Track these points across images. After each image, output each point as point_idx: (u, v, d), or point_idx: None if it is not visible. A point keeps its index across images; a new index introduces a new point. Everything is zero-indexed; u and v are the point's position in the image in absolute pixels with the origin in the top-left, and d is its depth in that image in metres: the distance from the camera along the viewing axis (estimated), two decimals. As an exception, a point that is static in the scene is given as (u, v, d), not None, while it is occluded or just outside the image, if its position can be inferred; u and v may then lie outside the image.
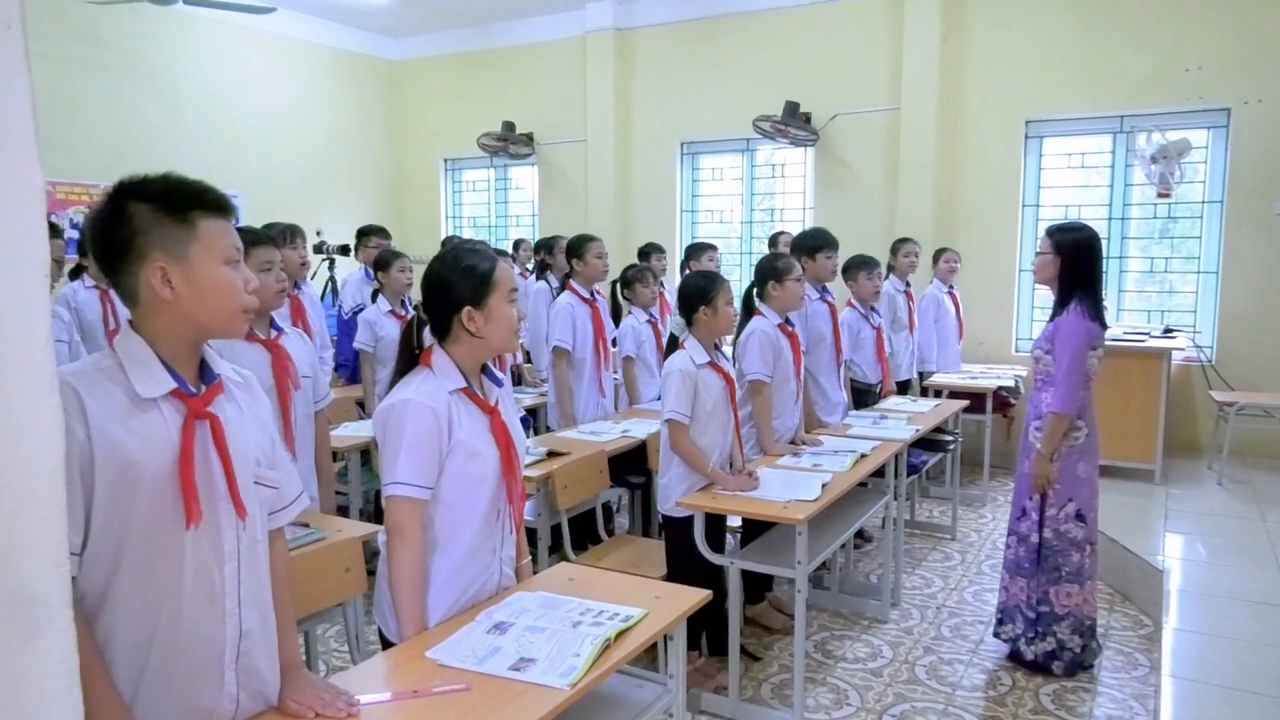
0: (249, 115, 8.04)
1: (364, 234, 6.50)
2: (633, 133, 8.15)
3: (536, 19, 8.45)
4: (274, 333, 2.76)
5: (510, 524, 2.12)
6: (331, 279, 7.98)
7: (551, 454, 3.55)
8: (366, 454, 3.94)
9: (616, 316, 4.93)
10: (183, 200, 1.45)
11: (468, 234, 9.51)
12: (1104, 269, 3.29)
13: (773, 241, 6.49)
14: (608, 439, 3.88)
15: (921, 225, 6.70)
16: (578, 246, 4.57)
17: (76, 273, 5.19)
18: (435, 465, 1.95)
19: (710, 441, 3.19)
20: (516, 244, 7.84)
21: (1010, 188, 6.60)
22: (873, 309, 4.89)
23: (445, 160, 9.43)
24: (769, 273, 3.77)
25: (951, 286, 6.09)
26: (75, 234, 6.83)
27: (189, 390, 1.45)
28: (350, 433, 4.06)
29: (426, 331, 2.08)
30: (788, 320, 3.82)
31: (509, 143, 8.44)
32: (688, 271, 5.41)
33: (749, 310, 3.82)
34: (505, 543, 2.12)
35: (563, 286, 4.75)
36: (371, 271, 5.90)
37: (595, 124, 8.18)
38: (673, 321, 3.32)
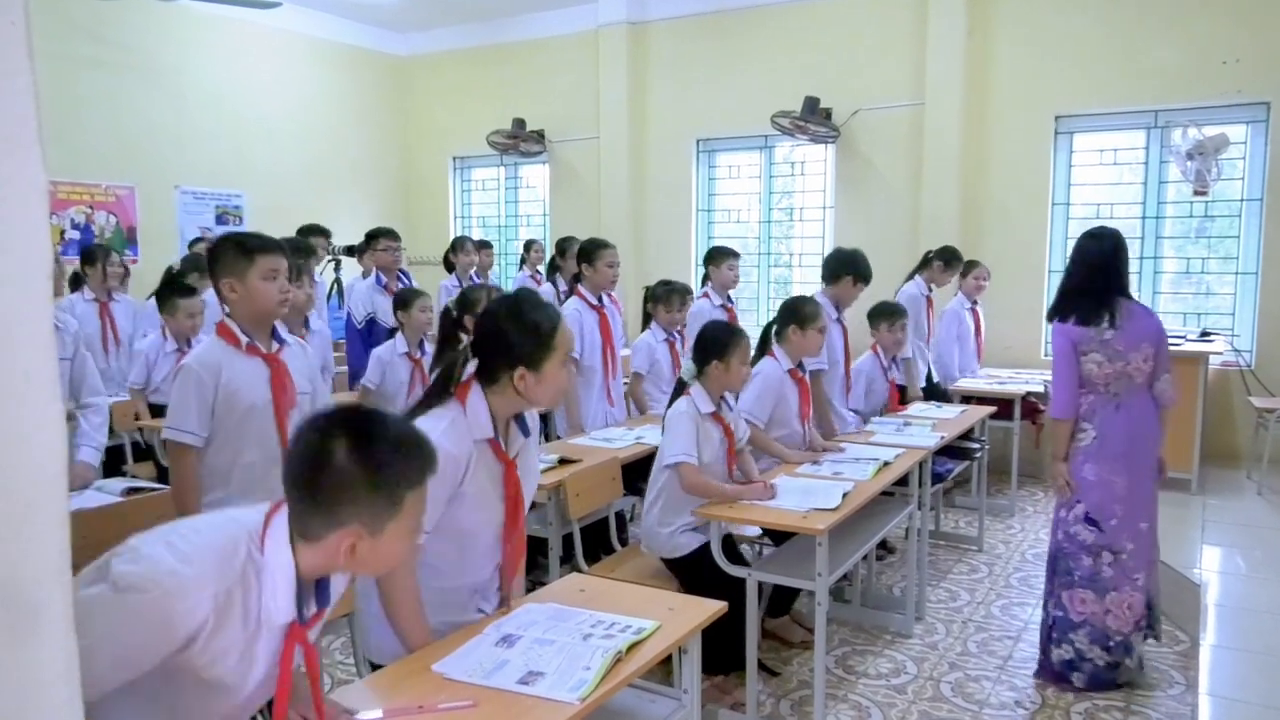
0: (254, 112, 8.12)
1: (373, 236, 6.30)
2: (647, 130, 8.16)
3: (548, 13, 8.49)
4: (275, 345, 2.76)
5: (498, 578, 2.16)
6: (337, 281, 8.03)
7: (563, 461, 3.56)
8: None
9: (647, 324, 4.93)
10: (398, 478, 1.45)
11: (477, 234, 9.55)
12: (1107, 269, 3.28)
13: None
14: (620, 446, 3.88)
15: (946, 225, 6.67)
16: (589, 252, 4.57)
17: (76, 283, 5.27)
18: (438, 511, 1.97)
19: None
20: (529, 244, 7.84)
21: (1039, 186, 6.57)
22: (894, 360, 4.88)
23: (454, 158, 9.48)
24: (792, 315, 3.78)
25: (975, 303, 6.03)
26: (76, 234, 6.92)
27: (301, 617, 1.47)
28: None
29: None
30: (800, 365, 3.85)
31: (519, 140, 8.48)
32: (707, 285, 5.42)
33: (763, 347, 3.86)
34: (489, 592, 2.16)
35: (571, 291, 4.76)
36: (383, 277, 5.94)
37: (608, 121, 8.20)
38: (684, 367, 3.34)
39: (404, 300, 4.77)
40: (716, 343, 3.22)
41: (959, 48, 6.60)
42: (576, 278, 4.71)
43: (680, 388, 3.28)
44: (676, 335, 4.79)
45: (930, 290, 5.73)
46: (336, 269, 8.07)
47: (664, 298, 4.72)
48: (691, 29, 7.85)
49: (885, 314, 4.72)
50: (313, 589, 1.52)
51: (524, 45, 8.73)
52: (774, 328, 3.88)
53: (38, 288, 0.87)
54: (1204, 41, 5.95)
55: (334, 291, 7.95)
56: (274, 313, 2.70)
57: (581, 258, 4.61)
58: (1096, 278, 3.25)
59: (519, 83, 8.78)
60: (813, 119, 6.94)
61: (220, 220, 7.93)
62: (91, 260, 5.26)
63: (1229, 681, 3.10)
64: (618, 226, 8.19)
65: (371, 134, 9.28)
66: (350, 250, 8.08)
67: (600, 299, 4.54)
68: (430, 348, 4.71)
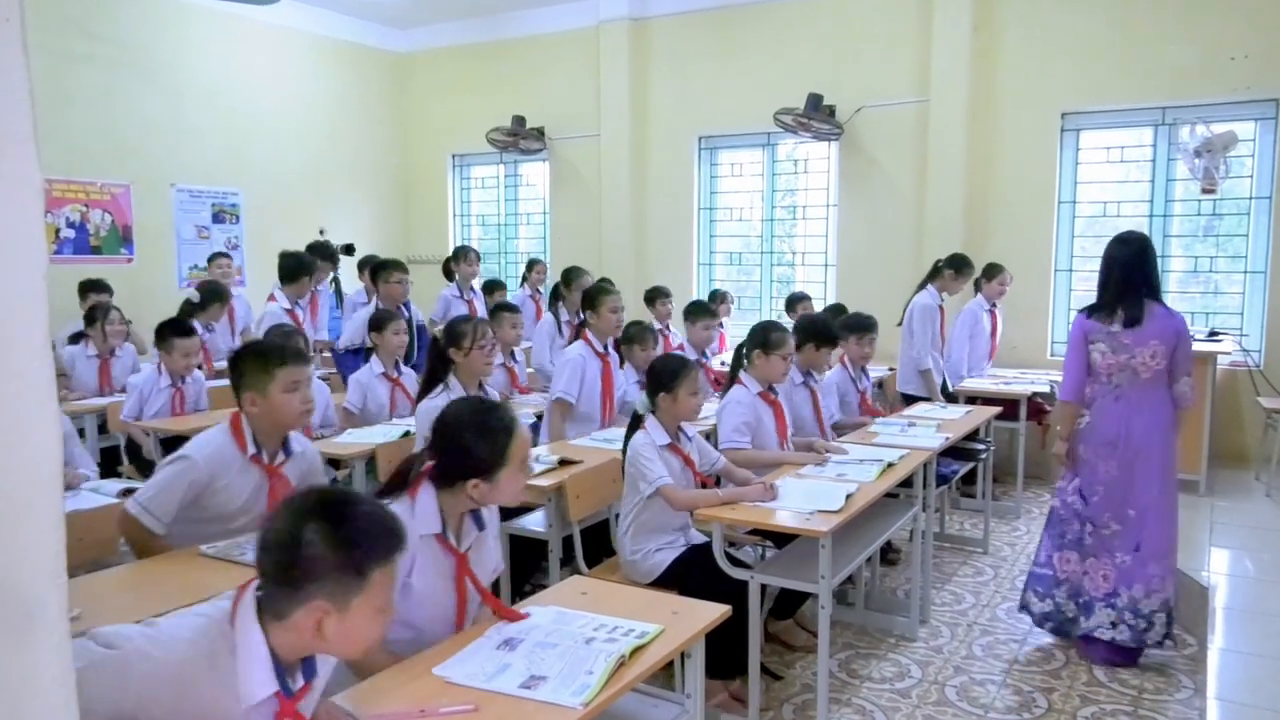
0: (251, 110, 8.12)
1: (384, 268, 6.03)
2: (648, 127, 8.16)
3: (548, 8, 8.49)
4: (282, 455, 2.74)
5: None
6: (335, 280, 8.03)
7: (563, 462, 3.56)
8: (372, 460, 3.97)
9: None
10: (365, 555, 1.49)
11: (476, 233, 9.57)
12: (1111, 273, 3.57)
13: (790, 304, 6.50)
14: (621, 447, 3.87)
15: (951, 223, 6.68)
16: (592, 297, 4.54)
17: (78, 337, 5.47)
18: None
19: (673, 519, 3.24)
20: (531, 264, 7.88)
21: (1045, 183, 6.57)
22: (863, 371, 4.94)
23: (453, 156, 9.48)
24: (758, 341, 3.86)
25: (994, 305, 6.05)
26: (71, 233, 6.92)
27: (287, 690, 1.50)
28: (355, 439, 4.09)
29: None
30: (771, 388, 3.90)
31: (519, 138, 8.49)
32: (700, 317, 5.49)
33: (734, 374, 3.94)
34: None
35: (578, 334, 4.69)
36: (382, 306, 5.97)
37: (609, 118, 8.20)
38: (639, 400, 3.35)
39: (378, 323, 4.81)
40: (665, 374, 3.26)
41: (964, 44, 6.59)
42: (582, 324, 4.63)
43: (635, 422, 3.30)
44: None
45: (943, 299, 5.76)
46: (334, 267, 8.07)
47: (638, 337, 4.70)
48: (693, 25, 7.85)
49: (855, 327, 4.82)
50: (299, 664, 1.54)
51: (524, 41, 8.73)
52: (742, 351, 3.96)
53: (33, 287, 0.87)
54: (1212, 38, 5.94)
55: (333, 290, 7.95)
56: (296, 424, 2.71)
57: (585, 304, 4.58)
58: (1127, 279, 3.49)
59: (519, 79, 8.78)
60: (816, 116, 6.94)
61: (217, 219, 7.93)
62: (91, 320, 5.44)
63: (1238, 685, 3.10)
64: (618, 225, 8.20)
65: (370, 131, 9.28)
66: (349, 249, 8.09)
67: (605, 347, 4.51)
68: (405, 368, 4.80)
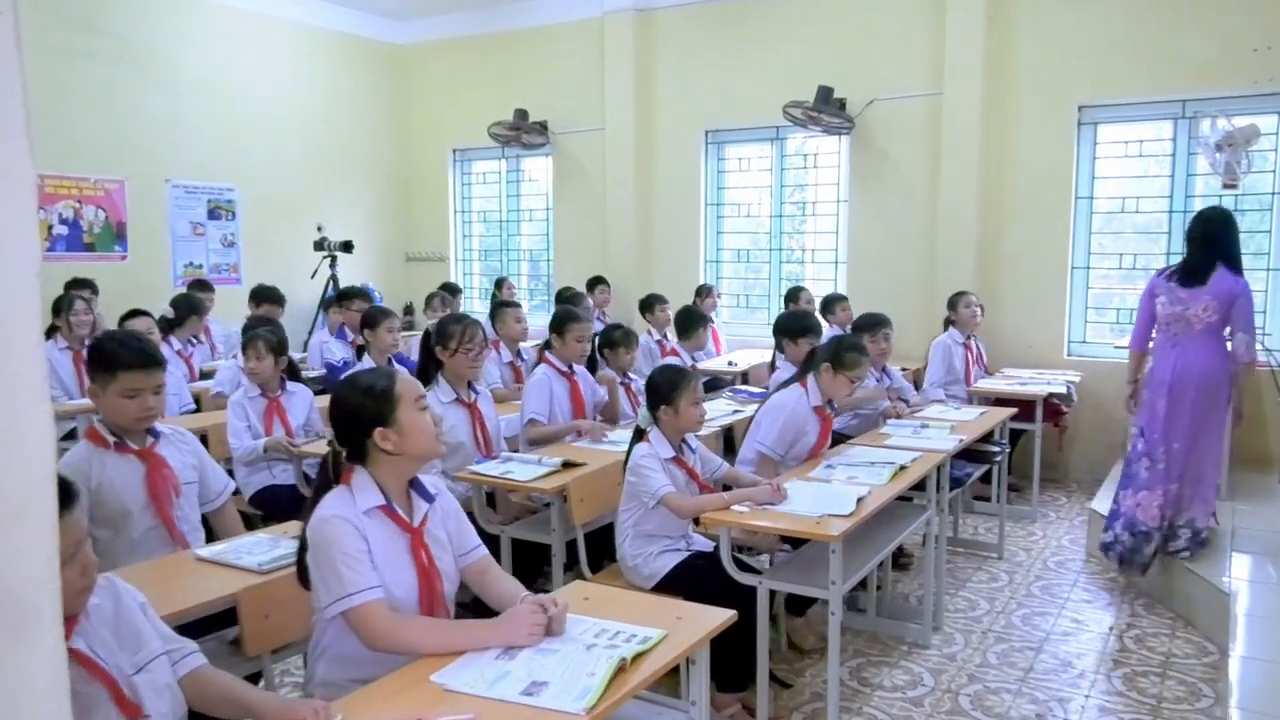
0: (248, 103, 8.14)
1: (346, 296, 6.63)
2: (654, 121, 8.16)
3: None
4: (150, 439, 2.76)
5: None
6: (334, 278, 8.06)
7: (567, 465, 3.56)
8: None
9: (592, 368, 4.86)
10: None
11: (478, 229, 9.59)
12: (1189, 244, 4.26)
13: (825, 307, 6.56)
14: (626, 449, 3.87)
15: (965, 219, 6.67)
16: (560, 322, 4.55)
17: (50, 331, 5.54)
18: (365, 567, 2.00)
19: (674, 526, 3.24)
20: (498, 282, 7.99)
21: (1061, 178, 6.55)
22: (884, 370, 5.03)
23: (454, 151, 9.49)
24: (834, 357, 3.87)
25: (971, 335, 5.99)
26: (64, 230, 6.95)
27: None
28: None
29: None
30: (830, 403, 3.92)
31: (522, 132, 8.49)
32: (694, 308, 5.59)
33: (802, 372, 3.95)
34: None
35: (540, 357, 4.69)
36: (346, 333, 6.03)
37: (614, 112, 8.20)
38: (641, 414, 3.35)
39: (371, 320, 4.82)
40: (663, 386, 3.26)
41: (978, 35, 6.57)
42: (546, 344, 4.66)
43: (639, 434, 3.30)
44: (632, 378, 4.81)
45: (967, 337, 5.86)
46: (333, 265, 8.11)
47: (624, 340, 4.71)
48: (700, 16, 7.84)
49: (866, 327, 4.90)
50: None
51: (527, 33, 8.73)
52: (813, 354, 3.97)
53: (24, 284, 0.88)
54: (1233, 29, 5.92)
55: (328, 289, 7.98)
56: (131, 429, 2.72)
57: (553, 326, 4.59)
58: (1204, 245, 4.12)
59: (521, 72, 8.78)
60: (826, 109, 6.93)
61: (212, 215, 7.95)
62: (57, 310, 5.50)
63: (1260, 694, 3.09)
64: (623, 221, 8.21)
65: (369, 125, 9.29)
66: (348, 246, 8.11)
67: (571, 366, 4.52)
68: (400, 366, 4.80)
